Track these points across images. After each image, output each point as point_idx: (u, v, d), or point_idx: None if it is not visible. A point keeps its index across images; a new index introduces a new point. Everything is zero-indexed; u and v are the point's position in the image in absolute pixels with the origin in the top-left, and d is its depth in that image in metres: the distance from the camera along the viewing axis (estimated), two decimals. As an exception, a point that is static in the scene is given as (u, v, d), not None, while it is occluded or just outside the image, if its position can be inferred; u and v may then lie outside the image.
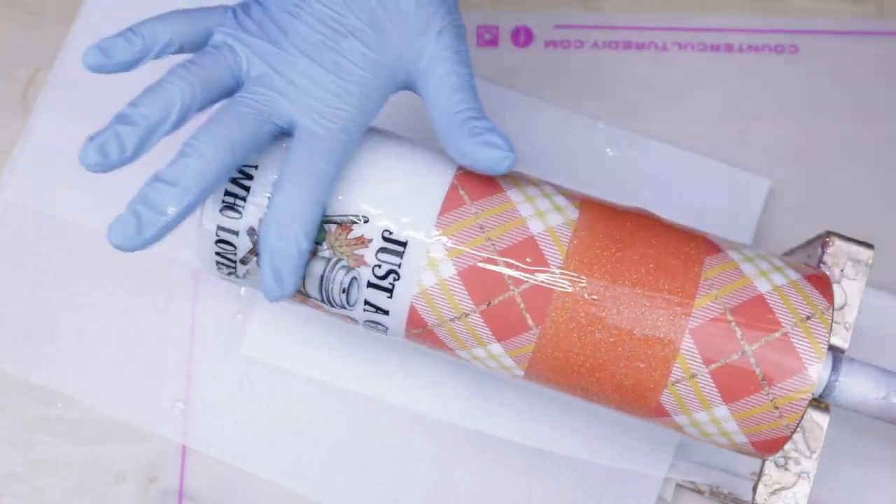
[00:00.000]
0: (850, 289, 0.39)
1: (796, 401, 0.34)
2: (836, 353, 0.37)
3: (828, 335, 0.35)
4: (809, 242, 0.41)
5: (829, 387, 0.36)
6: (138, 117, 0.33)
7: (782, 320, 0.35)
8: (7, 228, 0.48)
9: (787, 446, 0.37)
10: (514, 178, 0.37)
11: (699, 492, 0.44)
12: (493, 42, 0.51)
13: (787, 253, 0.43)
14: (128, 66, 0.34)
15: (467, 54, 0.36)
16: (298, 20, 0.35)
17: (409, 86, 0.37)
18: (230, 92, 0.35)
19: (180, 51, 0.35)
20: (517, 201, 0.36)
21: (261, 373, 0.46)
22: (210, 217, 0.36)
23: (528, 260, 0.35)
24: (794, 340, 0.34)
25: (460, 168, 0.36)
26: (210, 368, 0.46)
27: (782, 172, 0.49)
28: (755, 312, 0.35)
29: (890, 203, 0.49)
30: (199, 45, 0.35)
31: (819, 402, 0.37)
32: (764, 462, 0.38)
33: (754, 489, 0.38)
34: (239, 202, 0.35)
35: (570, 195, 0.37)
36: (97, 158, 0.32)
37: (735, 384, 0.34)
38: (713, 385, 0.34)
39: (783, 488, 0.37)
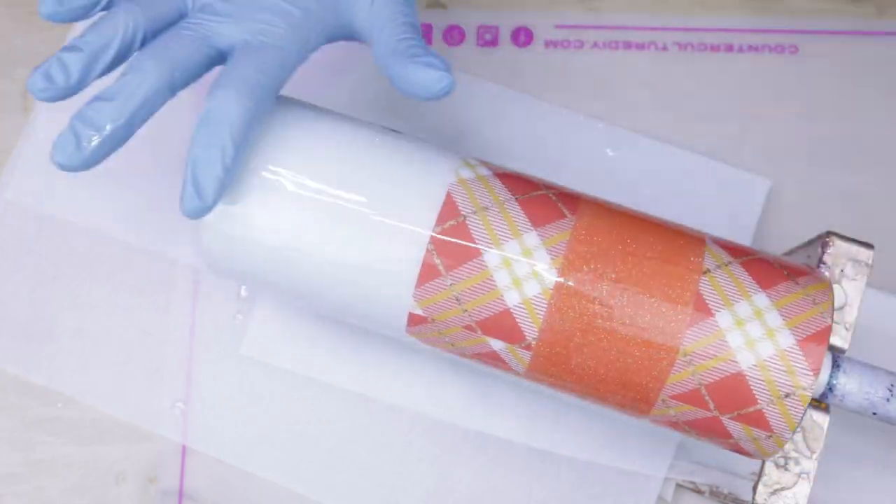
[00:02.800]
0: (850, 289, 0.39)
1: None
2: (836, 353, 0.37)
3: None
4: (809, 242, 0.41)
5: (829, 387, 0.36)
6: (82, 44, 0.34)
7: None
8: (7, 228, 0.48)
9: (787, 446, 0.37)
10: (495, 233, 0.36)
11: (699, 492, 0.44)
12: (493, 42, 0.51)
13: (787, 253, 0.43)
14: (81, 15, 0.35)
15: (413, 2, 0.37)
16: None
17: (352, 32, 0.38)
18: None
19: None
20: (493, 267, 0.35)
21: (261, 373, 0.46)
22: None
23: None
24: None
25: (434, 230, 0.36)
26: (210, 368, 0.46)
27: (782, 172, 0.49)
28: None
29: (890, 203, 0.49)
30: None
31: (819, 403, 0.37)
32: (764, 462, 0.38)
33: (754, 489, 0.38)
34: None
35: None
36: (42, 84, 0.33)
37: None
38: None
39: (783, 488, 0.37)
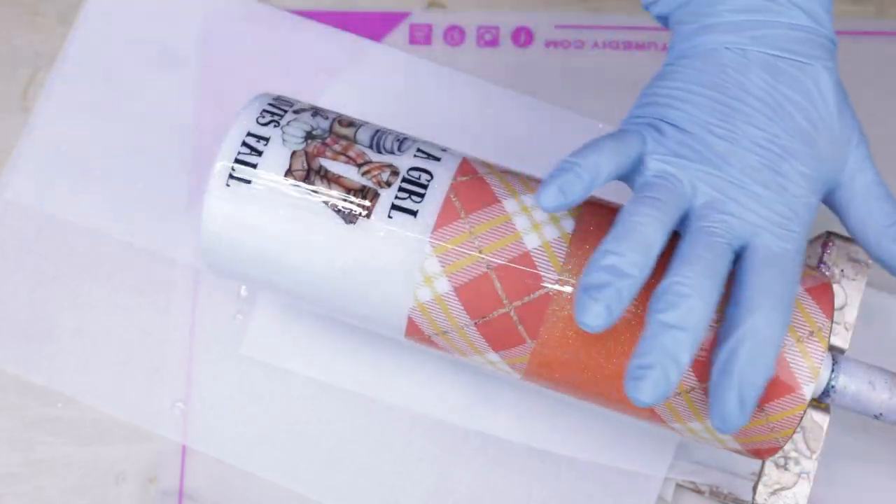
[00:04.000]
0: (850, 289, 0.39)
1: (789, 418, 0.34)
2: (836, 353, 0.37)
3: (823, 355, 0.34)
4: (809, 242, 0.41)
5: (829, 387, 0.36)
6: (630, 267, 0.31)
7: None
8: (7, 228, 0.48)
9: (787, 446, 0.38)
10: (511, 184, 0.37)
11: (699, 492, 0.44)
12: (493, 42, 0.51)
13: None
14: (577, 202, 0.33)
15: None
16: (734, 144, 0.34)
17: (825, 197, 0.36)
18: (681, 221, 0.34)
19: (615, 179, 0.34)
20: (512, 212, 0.36)
21: (261, 373, 0.46)
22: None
23: (523, 279, 0.35)
24: (789, 359, 0.34)
25: (455, 176, 0.36)
26: (210, 368, 0.46)
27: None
28: None
29: (890, 203, 0.48)
30: (631, 172, 0.35)
31: (819, 403, 0.37)
32: (764, 462, 0.38)
33: (754, 489, 0.38)
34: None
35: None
36: (605, 318, 0.30)
37: None
38: (706, 400, 0.34)
39: (783, 488, 0.37)
